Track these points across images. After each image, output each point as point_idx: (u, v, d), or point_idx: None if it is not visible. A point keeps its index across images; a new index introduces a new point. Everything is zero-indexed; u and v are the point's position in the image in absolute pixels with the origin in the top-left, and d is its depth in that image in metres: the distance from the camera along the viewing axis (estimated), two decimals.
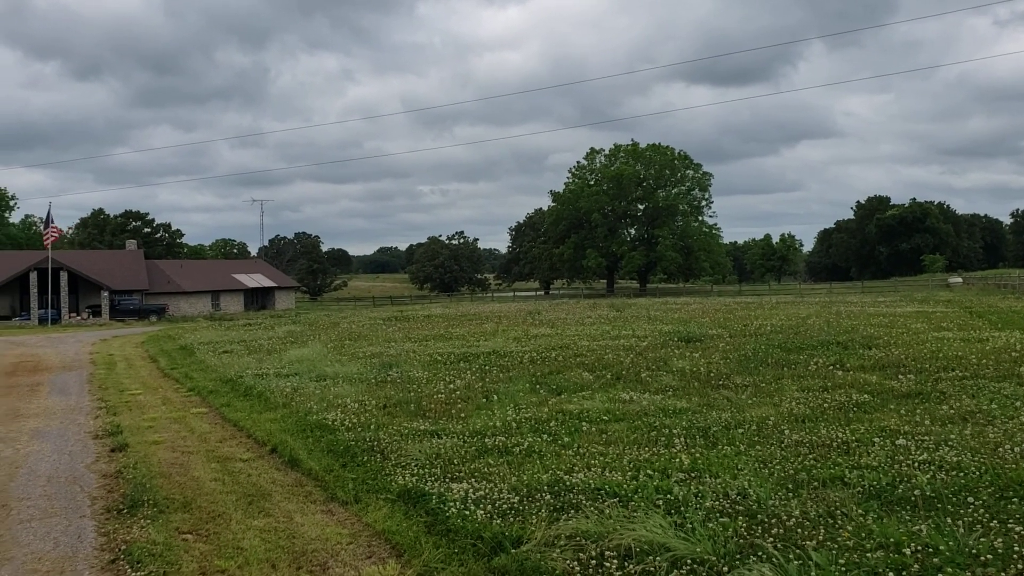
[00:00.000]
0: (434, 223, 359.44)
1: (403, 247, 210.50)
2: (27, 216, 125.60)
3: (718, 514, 6.88)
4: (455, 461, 9.33)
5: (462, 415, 12.26)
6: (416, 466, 9.19)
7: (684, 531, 6.41)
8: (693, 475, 8.18)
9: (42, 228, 62.60)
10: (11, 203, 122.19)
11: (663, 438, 10.02)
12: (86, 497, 9.00)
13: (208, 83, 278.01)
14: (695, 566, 5.83)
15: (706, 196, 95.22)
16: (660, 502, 7.22)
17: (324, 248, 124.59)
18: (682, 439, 9.87)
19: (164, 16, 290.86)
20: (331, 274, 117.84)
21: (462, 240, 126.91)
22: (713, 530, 6.43)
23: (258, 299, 75.76)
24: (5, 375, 22.91)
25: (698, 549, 6.04)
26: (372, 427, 11.53)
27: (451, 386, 15.15)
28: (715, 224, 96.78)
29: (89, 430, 13.40)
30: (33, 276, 57.70)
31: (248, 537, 7.31)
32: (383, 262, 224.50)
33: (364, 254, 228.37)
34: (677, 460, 8.78)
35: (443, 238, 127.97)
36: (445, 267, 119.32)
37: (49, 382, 20.73)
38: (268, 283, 76.75)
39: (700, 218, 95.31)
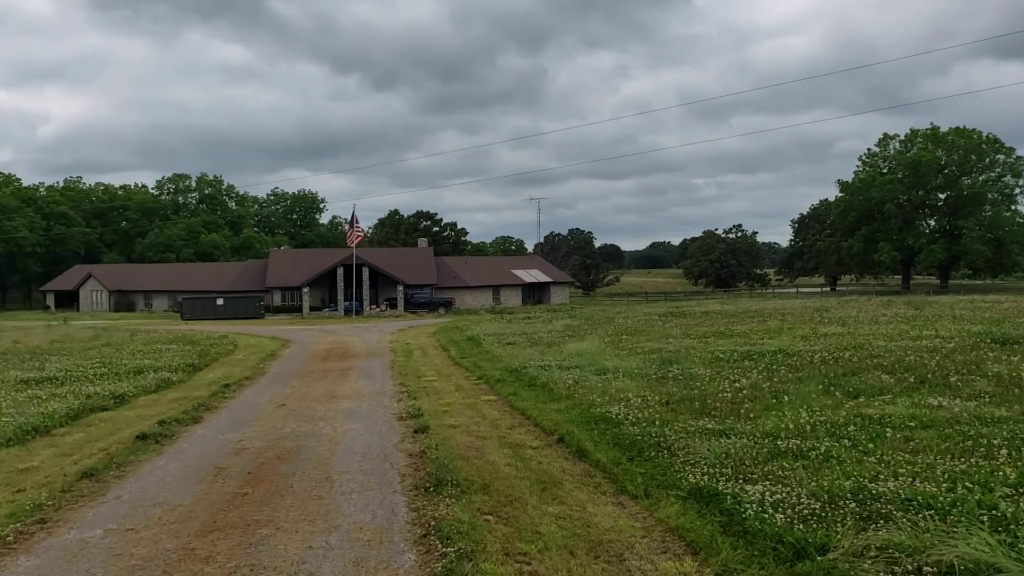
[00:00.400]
0: (709, 217, 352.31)
1: (676, 242, 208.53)
2: (334, 217, 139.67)
3: None
4: (746, 462, 9.04)
5: (750, 415, 11.86)
6: (705, 465, 9.02)
7: (1016, 551, 5.75)
8: (1021, 491, 7.32)
9: (347, 228, 69.02)
10: (321, 206, 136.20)
11: (981, 448, 9.07)
12: (396, 474, 9.75)
13: (490, 87, 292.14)
14: None
15: (1020, 183, 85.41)
16: (984, 518, 6.53)
17: (597, 244, 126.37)
18: (1005, 451, 8.87)
19: (451, 25, 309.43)
20: (604, 269, 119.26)
21: (739, 233, 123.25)
22: None
23: (534, 293, 78.48)
24: (320, 360, 25.50)
25: None
26: (656, 423, 11.48)
27: (736, 385, 14.74)
28: None
29: (394, 412, 14.54)
30: (340, 272, 63.79)
31: (545, 523, 7.55)
32: (655, 257, 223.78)
33: (636, 249, 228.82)
34: (1000, 473, 7.90)
35: (719, 232, 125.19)
36: (721, 262, 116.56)
37: (357, 367, 22.78)
38: (544, 278, 79.25)
39: (1013, 207, 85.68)
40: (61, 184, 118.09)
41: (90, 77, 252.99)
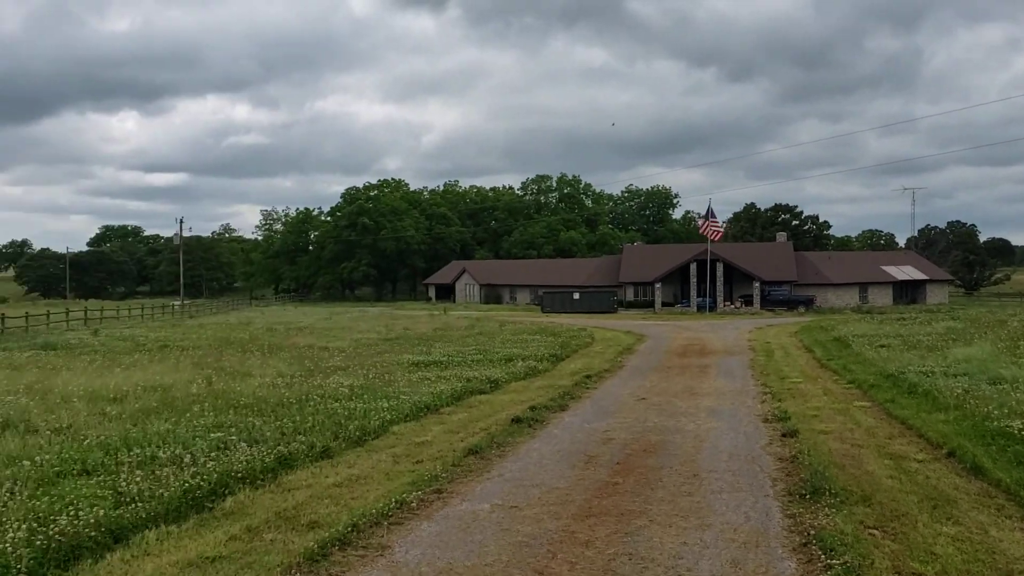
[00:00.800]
0: None
1: None
2: (687, 212, 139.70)
3: None
4: None
5: None
6: None
7: None
8: None
9: (698, 221, 68.28)
10: (673, 201, 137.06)
11: None
12: (766, 477, 9.43)
13: (856, 72, 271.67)
14: None
15: None
16: None
17: (981, 238, 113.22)
18: None
19: (813, 11, 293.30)
20: (990, 267, 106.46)
21: None
22: None
23: (907, 292, 72.14)
24: (677, 356, 25.59)
25: None
26: None
27: None
28: None
29: (757, 413, 14.13)
30: (692, 267, 63.63)
31: (939, 543, 6.85)
32: None
33: None
34: None
35: None
36: None
37: (715, 365, 22.52)
38: (918, 276, 72.53)
39: None
40: (441, 188, 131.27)
41: (465, 88, 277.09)
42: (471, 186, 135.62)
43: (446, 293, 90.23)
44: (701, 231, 64.23)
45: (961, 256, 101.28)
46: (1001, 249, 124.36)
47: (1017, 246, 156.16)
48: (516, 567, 6.52)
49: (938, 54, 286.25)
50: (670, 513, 7.94)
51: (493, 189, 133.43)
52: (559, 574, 6.39)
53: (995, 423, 11.42)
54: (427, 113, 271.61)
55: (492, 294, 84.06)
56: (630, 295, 70.44)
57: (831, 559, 6.41)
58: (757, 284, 63.19)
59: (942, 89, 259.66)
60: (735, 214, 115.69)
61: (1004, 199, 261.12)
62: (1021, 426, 10.99)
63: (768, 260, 68.41)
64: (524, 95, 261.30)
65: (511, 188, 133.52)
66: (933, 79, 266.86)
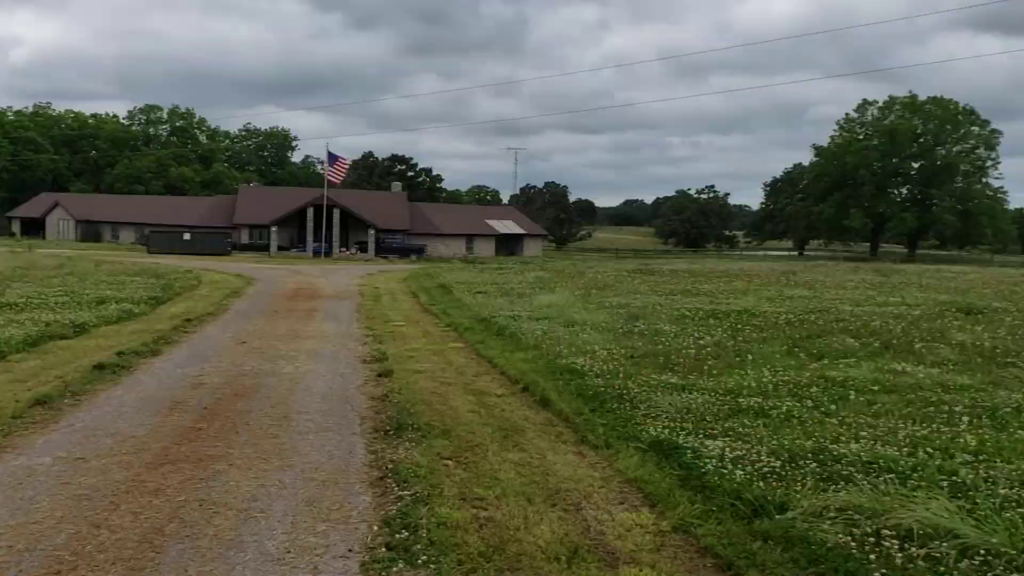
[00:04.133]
0: (682, 177, 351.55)
1: (649, 200, 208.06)
2: (306, 157, 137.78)
3: (1015, 504, 6.11)
4: (707, 418, 9.03)
5: (713, 372, 11.84)
6: (666, 418, 9.01)
7: (975, 518, 5.74)
8: (981, 458, 7.35)
9: (324, 167, 67.49)
10: (293, 144, 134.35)
11: (943, 415, 9.09)
12: (356, 416, 9.62)
13: (472, 34, 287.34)
14: (989, 558, 5.20)
15: (992, 156, 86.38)
16: (944, 484, 6.54)
17: (571, 198, 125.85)
18: (966, 418, 8.91)
19: None
20: (576, 224, 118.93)
21: (712, 195, 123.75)
22: (1011, 521, 5.70)
23: (508, 245, 78.22)
24: (286, 299, 25.22)
25: (993, 540, 5.37)
26: (620, 376, 11.41)
27: (700, 342, 14.72)
28: (1001, 187, 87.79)
29: (358, 355, 14.37)
30: (310, 212, 63.16)
31: (504, 469, 7.47)
32: (628, 215, 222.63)
33: (609, 206, 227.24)
34: (961, 440, 7.93)
35: (691, 192, 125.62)
36: (692, 222, 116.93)
37: (323, 309, 22.54)
38: (518, 230, 79.01)
39: (984, 180, 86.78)
40: (30, 109, 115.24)
41: (64, 1, 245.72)
42: (67, 110, 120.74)
43: (35, 229, 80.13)
44: (328, 175, 63.66)
45: (554, 214, 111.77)
46: (587, 209, 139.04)
47: (600, 207, 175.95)
48: (70, 522, 5.94)
49: (542, 25, 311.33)
50: (252, 456, 7.76)
51: (95, 116, 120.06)
52: (120, 525, 5.94)
53: (564, 361, 12.75)
54: (15, 24, 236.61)
55: (91, 231, 76.37)
56: (245, 238, 67.91)
57: (403, 490, 6.69)
58: (372, 232, 64.43)
59: (544, 59, 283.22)
60: (354, 161, 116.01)
61: (591, 164, 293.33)
62: (583, 363, 12.41)
63: (384, 209, 70.00)
64: (136, 18, 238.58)
65: (116, 117, 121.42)
66: (537, 48, 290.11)
